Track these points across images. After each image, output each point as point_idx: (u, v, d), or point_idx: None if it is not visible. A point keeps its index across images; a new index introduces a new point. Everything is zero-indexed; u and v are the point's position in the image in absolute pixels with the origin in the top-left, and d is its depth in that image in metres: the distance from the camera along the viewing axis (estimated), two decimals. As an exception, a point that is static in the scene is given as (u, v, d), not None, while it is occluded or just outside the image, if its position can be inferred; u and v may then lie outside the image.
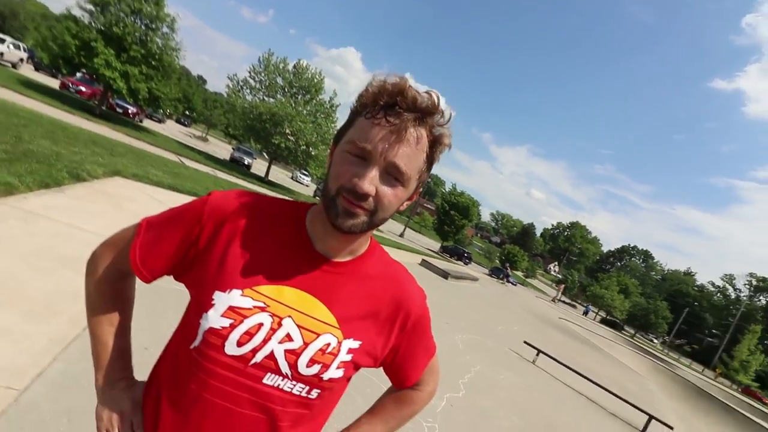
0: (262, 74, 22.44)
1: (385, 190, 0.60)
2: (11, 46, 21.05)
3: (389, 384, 0.87)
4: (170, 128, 36.09)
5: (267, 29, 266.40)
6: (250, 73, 22.53)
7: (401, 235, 31.21)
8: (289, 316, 0.63)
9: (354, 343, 0.67)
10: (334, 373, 0.66)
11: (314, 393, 0.66)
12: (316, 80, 22.82)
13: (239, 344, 0.61)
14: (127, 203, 5.70)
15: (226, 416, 0.63)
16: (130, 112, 23.33)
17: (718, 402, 15.73)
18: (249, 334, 0.61)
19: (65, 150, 6.81)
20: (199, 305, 0.65)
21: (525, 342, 8.44)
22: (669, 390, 16.28)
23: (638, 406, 7.23)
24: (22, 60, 22.37)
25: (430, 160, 0.63)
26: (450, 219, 35.38)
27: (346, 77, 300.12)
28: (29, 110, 9.62)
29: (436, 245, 39.87)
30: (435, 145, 0.62)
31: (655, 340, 58.39)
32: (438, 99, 0.60)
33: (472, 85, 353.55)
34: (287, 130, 21.11)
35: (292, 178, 43.81)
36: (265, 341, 0.62)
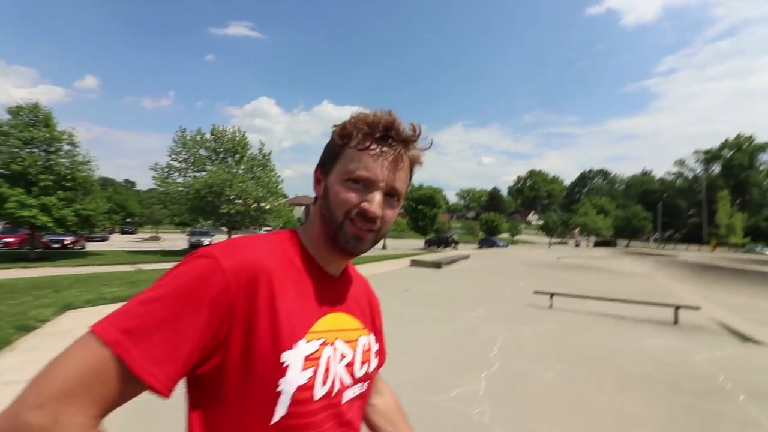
0: (183, 152, 21.85)
1: (387, 211, 0.68)
2: None
3: None
4: (117, 242, 34.41)
5: (173, 110, 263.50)
6: (170, 156, 21.89)
7: (384, 248, 31.00)
8: (338, 338, 0.69)
9: (373, 336, 0.80)
10: (374, 363, 0.78)
11: (365, 385, 0.75)
12: (237, 138, 22.49)
13: (323, 384, 0.64)
14: (86, 331, 5.21)
15: None
16: (67, 242, 22.03)
17: (724, 270, 16.41)
18: (327, 371, 0.65)
19: (4, 306, 6.24)
20: (263, 377, 0.59)
21: (535, 292, 8.42)
22: (680, 276, 16.86)
23: (661, 302, 7.34)
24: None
25: (411, 178, 0.74)
26: (420, 213, 35.60)
27: (269, 125, 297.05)
28: (-50, 283, 8.76)
29: (420, 243, 39.93)
30: (413, 165, 0.72)
31: (651, 240, 60.74)
32: (419, 130, 0.70)
33: (388, 88, 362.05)
34: (231, 195, 20.59)
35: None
36: (335, 370, 0.67)
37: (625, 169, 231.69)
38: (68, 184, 15.71)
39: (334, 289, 0.73)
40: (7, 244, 19.89)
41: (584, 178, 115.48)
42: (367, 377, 0.75)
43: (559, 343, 5.37)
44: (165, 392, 0.53)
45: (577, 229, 41.80)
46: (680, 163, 78.70)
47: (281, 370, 0.59)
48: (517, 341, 5.36)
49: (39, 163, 15.24)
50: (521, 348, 5.06)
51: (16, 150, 14.91)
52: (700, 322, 6.78)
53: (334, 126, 0.70)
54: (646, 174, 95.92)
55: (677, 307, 6.71)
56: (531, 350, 4.98)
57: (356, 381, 0.72)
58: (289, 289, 0.64)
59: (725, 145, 72.79)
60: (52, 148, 15.90)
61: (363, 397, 0.76)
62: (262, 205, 22.14)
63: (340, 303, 0.73)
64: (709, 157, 74.26)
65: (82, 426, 0.49)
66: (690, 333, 6.12)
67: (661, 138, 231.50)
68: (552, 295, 7.95)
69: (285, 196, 25.96)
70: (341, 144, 0.68)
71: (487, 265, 17.47)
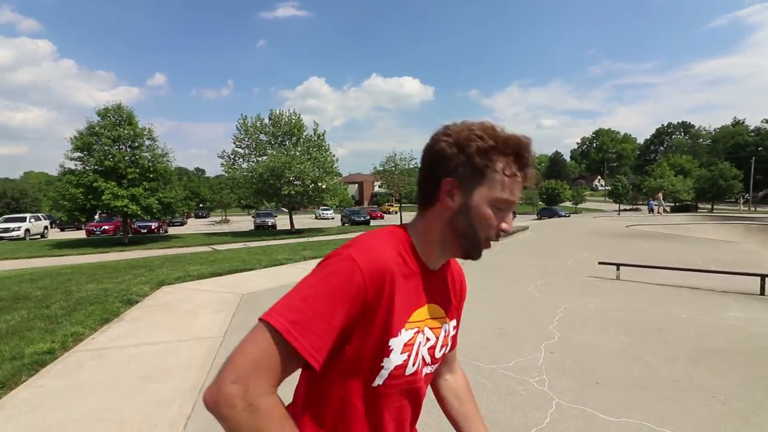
0: (246, 139, 23.13)
1: None
2: (33, 220, 22.90)
3: None
4: (193, 225, 37.79)
5: (233, 98, 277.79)
6: (234, 143, 23.30)
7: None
8: (426, 326, 0.81)
9: (453, 322, 0.90)
10: (449, 345, 0.89)
11: (439, 364, 0.88)
12: (293, 121, 23.26)
13: (413, 364, 0.78)
14: (180, 304, 5.97)
15: (398, 413, 0.79)
16: (153, 227, 24.71)
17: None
18: (416, 354, 0.78)
19: (110, 284, 7.27)
20: (372, 357, 0.73)
21: (600, 262, 8.07)
22: (773, 244, 15.05)
23: (745, 272, 6.72)
24: (46, 228, 24.29)
25: None
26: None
27: (321, 105, 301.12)
28: (69, 266, 10.35)
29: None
30: None
31: (740, 201, 54.01)
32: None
33: (434, 54, 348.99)
34: (291, 177, 21.56)
35: (316, 217, 44.58)
36: (422, 353, 0.80)
37: (711, 120, 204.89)
38: (151, 176, 17.50)
39: (430, 283, 0.82)
40: (105, 231, 22.95)
41: (662, 134, 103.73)
42: (443, 358, 0.88)
43: (626, 315, 5.19)
44: (318, 369, 0.67)
45: (660, 194, 37.34)
46: (781, 109, 67.44)
47: (387, 352, 0.73)
48: (580, 313, 5.27)
49: (126, 158, 17.10)
50: (584, 320, 4.98)
51: (107, 148, 16.85)
52: (795, 292, 6.13)
53: (459, 136, 0.73)
54: (737, 124, 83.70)
55: (764, 276, 6.11)
56: (594, 322, 4.88)
57: (434, 361, 0.84)
58: (402, 285, 0.74)
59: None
60: (136, 144, 17.71)
61: (434, 372, 0.89)
62: (319, 184, 22.97)
63: (433, 295, 0.82)
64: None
65: (266, 392, 0.63)
66: (780, 304, 5.58)
67: (758, 80, 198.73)
68: (619, 265, 7.57)
69: (339, 175, 26.61)
70: (485, 165, 0.71)
71: (548, 236, 16.84)
